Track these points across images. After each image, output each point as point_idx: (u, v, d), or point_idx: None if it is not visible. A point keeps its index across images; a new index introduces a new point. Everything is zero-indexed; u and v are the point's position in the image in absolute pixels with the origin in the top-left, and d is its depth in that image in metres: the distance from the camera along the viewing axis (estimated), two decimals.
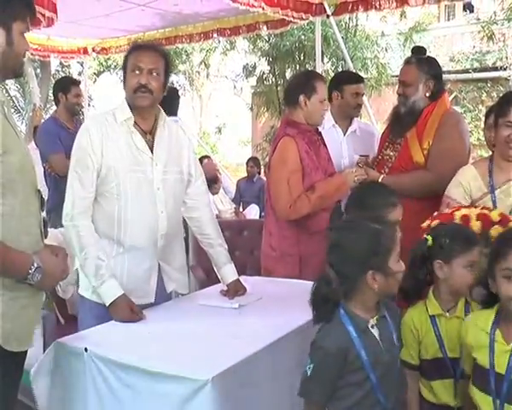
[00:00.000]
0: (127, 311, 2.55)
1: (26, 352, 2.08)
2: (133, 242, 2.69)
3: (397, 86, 3.64)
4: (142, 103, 2.67)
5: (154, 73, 2.66)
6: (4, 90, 2.01)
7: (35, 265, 1.93)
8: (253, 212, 7.19)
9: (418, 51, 3.57)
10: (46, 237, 2.12)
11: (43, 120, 8.85)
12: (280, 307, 2.71)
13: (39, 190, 2.09)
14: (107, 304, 2.58)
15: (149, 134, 2.74)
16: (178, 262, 2.90)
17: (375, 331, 1.99)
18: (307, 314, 2.50)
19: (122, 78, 2.76)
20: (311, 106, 3.42)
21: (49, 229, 2.19)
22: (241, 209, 7.41)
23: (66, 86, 5.17)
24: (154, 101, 2.70)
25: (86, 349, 2.17)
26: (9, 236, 1.89)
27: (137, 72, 2.64)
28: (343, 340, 1.93)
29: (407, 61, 3.58)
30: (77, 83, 5.34)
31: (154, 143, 2.73)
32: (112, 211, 2.66)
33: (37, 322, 2.10)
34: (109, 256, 2.65)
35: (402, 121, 3.54)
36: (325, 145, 3.57)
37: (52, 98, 5.87)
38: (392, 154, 3.57)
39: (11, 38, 1.99)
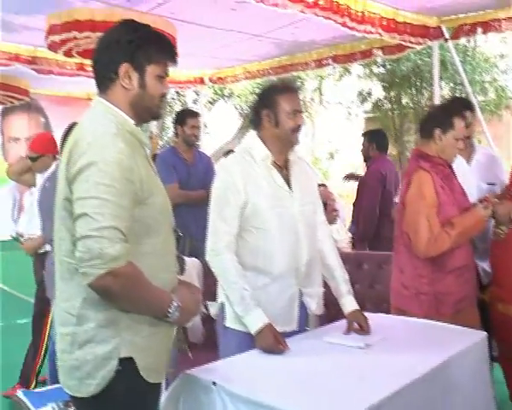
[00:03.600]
0: (272, 340, 2.60)
1: (161, 383, 2.13)
2: (279, 272, 2.80)
3: None
4: (298, 142, 2.87)
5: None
6: None
7: (174, 304, 1.98)
8: None
9: None
10: (183, 274, 2.17)
11: (159, 147, 9.00)
12: (410, 348, 2.59)
13: (176, 230, 2.15)
14: (253, 332, 2.65)
15: (285, 169, 2.90)
16: (317, 285, 2.96)
17: None
18: (440, 356, 2.41)
19: (265, 114, 2.83)
20: (445, 141, 3.31)
21: None
22: None
23: (182, 119, 5.35)
24: None
25: (215, 383, 2.16)
26: (150, 273, 1.95)
27: (296, 114, 2.82)
28: None
29: None
30: (194, 115, 5.49)
31: (289, 178, 2.87)
32: (257, 244, 2.80)
33: (169, 353, 2.15)
34: (255, 287, 2.75)
35: None
36: (457, 179, 3.43)
37: (167, 126, 6.04)
38: None
39: (144, 80, 2.05)
